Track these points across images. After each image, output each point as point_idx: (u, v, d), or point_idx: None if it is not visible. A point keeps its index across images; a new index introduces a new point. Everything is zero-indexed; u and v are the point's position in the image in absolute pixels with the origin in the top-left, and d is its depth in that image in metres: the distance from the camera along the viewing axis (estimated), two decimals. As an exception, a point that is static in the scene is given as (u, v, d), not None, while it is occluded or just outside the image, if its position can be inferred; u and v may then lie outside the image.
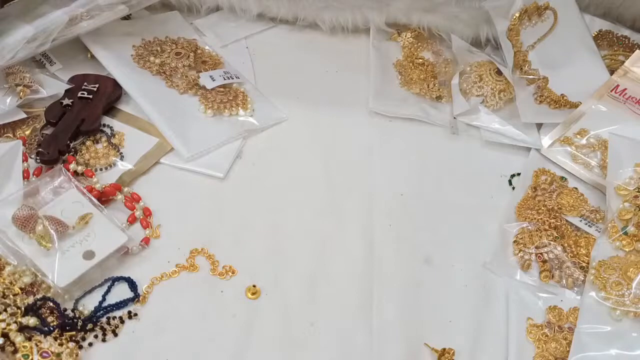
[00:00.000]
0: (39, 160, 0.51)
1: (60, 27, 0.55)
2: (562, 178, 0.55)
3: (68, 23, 0.55)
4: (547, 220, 0.50)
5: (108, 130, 0.55)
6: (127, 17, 0.63)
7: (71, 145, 0.53)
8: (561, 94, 0.58)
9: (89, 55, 0.60)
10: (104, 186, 0.50)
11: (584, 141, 0.56)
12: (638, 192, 0.49)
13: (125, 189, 0.51)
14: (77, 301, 0.44)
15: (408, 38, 0.66)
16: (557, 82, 0.58)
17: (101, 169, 0.52)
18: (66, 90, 0.57)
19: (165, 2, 0.66)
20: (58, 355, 0.40)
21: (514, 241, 0.50)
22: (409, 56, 0.64)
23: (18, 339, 0.40)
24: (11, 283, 0.43)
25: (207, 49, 0.63)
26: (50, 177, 0.49)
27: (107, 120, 0.56)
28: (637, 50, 0.60)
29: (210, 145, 0.55)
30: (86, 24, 0.56)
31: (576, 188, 0.53)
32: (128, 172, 0.53)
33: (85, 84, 0.57)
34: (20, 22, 0.54)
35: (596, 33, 0.64)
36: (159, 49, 0.61)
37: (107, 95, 0.57)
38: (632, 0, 0.63)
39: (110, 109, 0.57)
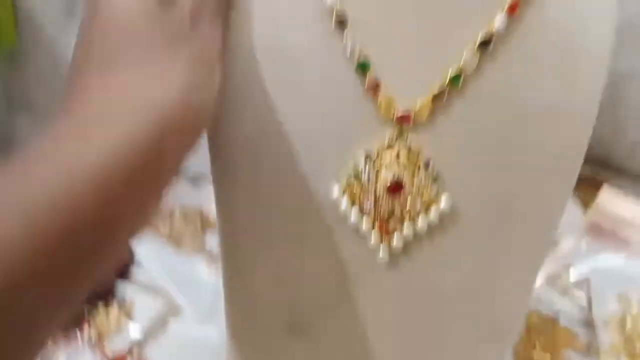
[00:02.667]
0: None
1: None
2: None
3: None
4: None
5: (120, 294, 0.58)
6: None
7: (85, 309, 0.56)
8: (542, 234, 0.63)
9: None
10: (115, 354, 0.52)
11: (570, 280, 0.60)
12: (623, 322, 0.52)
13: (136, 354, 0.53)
14: None
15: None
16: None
17: (112, 335, 0.55)
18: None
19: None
20: None
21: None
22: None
23: None
24: None
25: (212, 215, 0.68)
26: (65, 342, 0.51)
27: (119, 284, 0.59)
28: (604, 187, 0.66)
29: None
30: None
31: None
32: (138, 342, 0.55)
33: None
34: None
35: (565, 174, 0.71)
36: (167, 217, 0.67)
37: (120, 259, 0.61)
38: (591, 144, 0.70)
39: (123, 272, 0.61)
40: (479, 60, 0.28)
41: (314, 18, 0.27)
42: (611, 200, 0.63)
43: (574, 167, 0.33)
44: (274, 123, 0.28)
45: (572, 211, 0.66)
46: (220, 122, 0.29)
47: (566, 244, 0.61)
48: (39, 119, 0.65)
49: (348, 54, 0.27)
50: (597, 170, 0.72)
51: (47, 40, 0.61)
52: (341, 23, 0.27)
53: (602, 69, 0.31)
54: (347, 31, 0.27)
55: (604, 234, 0.62)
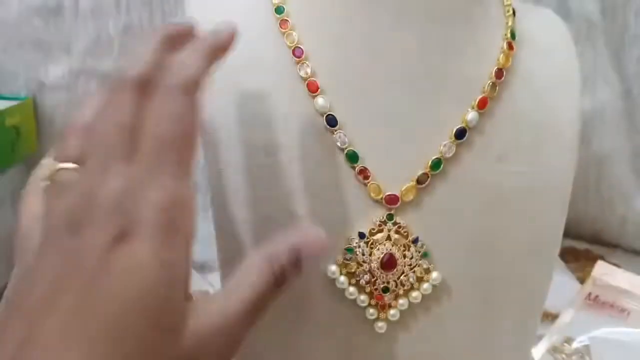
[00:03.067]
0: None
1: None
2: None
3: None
4: None
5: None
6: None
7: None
8: (541, 308, 0.65)
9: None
10: None
11: (571, 349, 0.60)
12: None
13: None
14: None
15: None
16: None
17: None
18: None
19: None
20: None
21: None
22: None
23: None
24: None
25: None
26: None
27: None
28: (599, 260, 0.68)
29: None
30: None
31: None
32: None
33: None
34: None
35: (561, 251, 0.74)
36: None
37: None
38: (583, 222, 0.74)
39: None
40: (456, 148, 0.32)
41: (306, 118, 0.31)
42: (607, 273, 0.64)
43: (553, 243, 0.36)
44: (273, 211, 0.31)
45: (570, 285, 0.67)
46: (224, 208, 0.32)
47: (566, 316, 0.62)
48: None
49: (338, 146, 0.31)
50: (592, 246, 0.75)
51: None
52: (331, 122, 0.31)
53: (572, 152, 0.35)
54: (337, 128, 0.31)
55: (602, 305, 0.63)
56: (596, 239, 0.75)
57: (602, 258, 0.70)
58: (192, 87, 0.23)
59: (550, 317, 0.64)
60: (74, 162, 0.22)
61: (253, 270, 0.24)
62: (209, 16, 0.33)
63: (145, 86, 0.22)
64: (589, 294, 0.66)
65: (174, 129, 0.22)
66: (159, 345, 0.20)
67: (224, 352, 0.22)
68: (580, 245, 0.75)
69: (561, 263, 0.71)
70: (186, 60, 0.23)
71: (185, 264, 0.21)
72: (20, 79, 0.64)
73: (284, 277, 0.24)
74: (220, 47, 0.25)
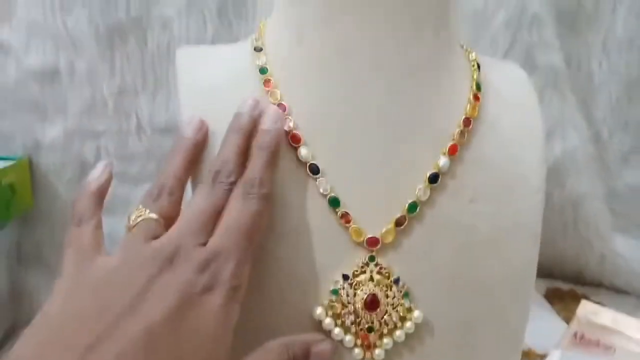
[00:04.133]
0: None
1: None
2: None
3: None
4: None
5: None
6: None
7: None
8: (528, 348, 0.66)
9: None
10: None
11: (560, 389, 0.61)
12: None
13: None
14: None
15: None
16: (522, 338, 0.66)
17: None
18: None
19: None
20: None
21: None
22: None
23: None
24: None
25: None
26: None
27: None
28: (582, 300, 0.70)
29: None
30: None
31: None
32: None
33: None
34: None
35: (545, 291, 0.75)
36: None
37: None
38: (565, 262, 0.76)
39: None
40: (431, 192, 0.34)
41: (291, 167, 0.34)
42: (591, 311, 0.66)
43: (528, 280, 0.37)
44: (261, 254, 0.33)
45: (556, 325, 0.68)
46: None
47: (554, 357, 0.63)
48: (49, 275, 0.70)
49: (320, 192, 0.33)
50: (576, 286, 0.77)
51: (60, 202, 0.68)
52: (313, 170, 0.33)
53: (539, 193, 0.37)
54: (319, 175, 0.33)
55: (589, 344, 0.64)
56: (579, 279, 0.77)
57: (586, 297, 0.72)
58: (268, 196, 0.31)
59: (538, 358, 0.65)
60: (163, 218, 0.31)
61: (272, 350, 0.30)
62: (202, 79, 0.36)
63: (233, 184, 0.31)
64: (575, 333, 0.67)
65: (251, 223, 0.30)
66: None
67: None
68: (565, 286, 0.76)
69: (546, 304, 0.72)
70: (262, 171, 0.32)
71: (239, 310, 0.29)
72: (17, 139, 0.66)
73: None
74: (276, 153, 0.33)
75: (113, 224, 0.68)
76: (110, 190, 0.70)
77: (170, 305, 0.27)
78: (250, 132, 0.33)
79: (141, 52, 0.66)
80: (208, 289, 0.28)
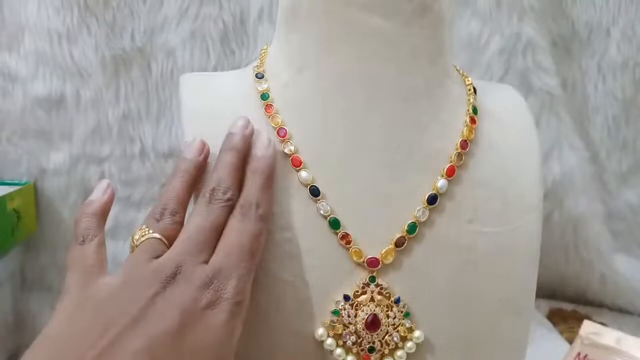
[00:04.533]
0: None
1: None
2: None
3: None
4: None
5: None
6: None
7: None
8: (532, 369, 0.65)
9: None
10: None
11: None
12: None
13: None
14: None
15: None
16: (525, 357, 0.66)
17: None
18: None
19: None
20: None
21: None
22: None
23: None
24: None
25: None
26: None
27: None
28: (585, 320, 0.70)
29: None
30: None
31: None
32: None
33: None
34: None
35: (548, 312, 0.75)
36: None
37: None
38: (567, 283, 0.76)
39: None
40: (430, 213, 0.35)
41: (292, 190, 0.34)
42: (594, 332, 0.66)
43: (527, 298, 0.37)
44: (261, 275, 0.33)
45: (559, 346, 0.68)
46: None
47: (557, 378, 0.63)
48: (53, 299, 0.70)
49: (321, 214, 0.34)
50: (578, 306, 0.76)
51: (64, 227, 0.69)
52: (314, 192, 0.34)
53: (537, 212, 0.37)
54: (319, 198, 0.34)
55: (592, 365, 0.64)
56: (581, 299, 0.77)
57: (589, 317, 0.72)
58: (266, 217, 0.32)
59: (541, 379, 0.65)
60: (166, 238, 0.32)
61: None
62: (205, 105, 0.37)
63: (232, 205, 0.32)
64: (578, 354, 0.67)
65: (252, 243, 0.31)
66: None
67: None
68: (567, 307, 0.76)
69: (549, 325, 0.72)
70: (258, 193, 0.32)
71: (241, 326, 0.30)
72: (22, 165, 0.67)
73: None
74: (271, 177, 0.34)
75: (116, 248, 0.69)
76: (113, 214, 0.70)
77: (173, 321, 0.27)
78: (243, 151, 0.33)
79: (145, 79, 0.67)
80: (211, 304, 0.28)
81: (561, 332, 0.71)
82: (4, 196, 0.61)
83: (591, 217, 0.69)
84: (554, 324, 0.73)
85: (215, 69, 0.67)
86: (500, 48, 0.65)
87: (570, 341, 0.69)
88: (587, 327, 0.68)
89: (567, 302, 0.77)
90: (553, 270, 0.73)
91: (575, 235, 0.70)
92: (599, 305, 0.76)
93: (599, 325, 0.67)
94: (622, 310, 0.75)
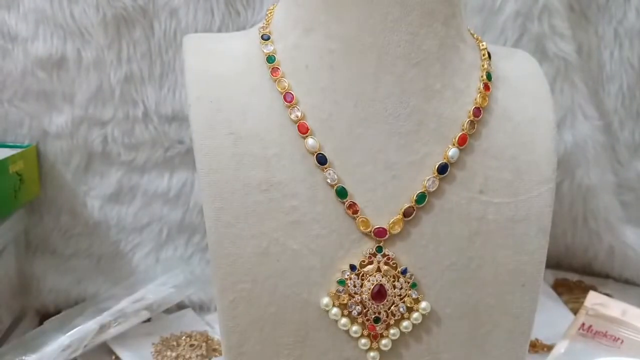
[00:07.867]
0: None
1: (92, 335, 0.63)
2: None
3: (98, 331, 0.64)
4: None
5: None
6: (147, 320, 0.72)
7: None
8: (535, 339, 0.65)
9: (113, 358, 0.68)
10: None
11: (567, 380, 0.61)
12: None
13: None
14: None
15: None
16: (529, 328, 0.66)
17: None
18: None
19: (180, 304, 0.76)
20: None
21: None
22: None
23: None
24: None
25: (216, 338, 0.71)
26: None
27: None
28: (591, 291, 0.69)
29: None
30: (114, 330, 0.65)
31: None
32: None
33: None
34: (57, 334, 0.62)
35: (553, 282, 0.75)
36: (175, 343, 0.69)
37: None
38: (574, 254, 0.75)
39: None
40: (440, 183, 0.34)
41: (299, 158, 0.33)
42: (599, 303, 0.65)
43: (537, 271, 0.36)
44: (268, 245, 0.33)
45: (564, 316, 0.68)
46: (220, 245, 0.33)
47: (560, 347, 0.63)
48: (56, 262, 0.70)
49: (328, 183, 0.33)
50: (584, 277, 0.76)
51: (67, 190, 0.68)
52: (321, 161, 0.33)
53: (550, 183, 0.36)
54: (326, 166, 0.33)
55: (596, 335, 0.64)
56: (587, 270, 0.76)
57: (594, 288, 0.71)
58: None
59: (545, 349, 0.65)
60: None
61: None
62: (209, 67, 0.36)
63: None
64: (583, 324, 0.67)
65: None
66: None
67: None
68: (573, 277, 0.76)
69: (554, 295, 0.72)
70: None
71: None
72: (24, 127, 0.66)
73: None
74: None
75: (120, 212, 0.69)
76: (116, 178, 0.69)
77: None
78: None
79: (148, 40, 0.65)
80: None
81: (566, 302, 0.71)
82: (7, 159, 0.60)
83: (601, 188, 0.68)
84: (559, 294, 0.72)
85: (219, 30, 0.65)
86: (516, 11, 0.63)
87: (575, 311, 0.69)
88: (593, 298, 0.68)
89: (573, 273, 0.76)
90: (560, 241, 0.73)
91: (584, 206, 0.69)
92: (605, 276, 0.76)
93: (604, 296, 0.67)
94: (628, 282, 0.74)
